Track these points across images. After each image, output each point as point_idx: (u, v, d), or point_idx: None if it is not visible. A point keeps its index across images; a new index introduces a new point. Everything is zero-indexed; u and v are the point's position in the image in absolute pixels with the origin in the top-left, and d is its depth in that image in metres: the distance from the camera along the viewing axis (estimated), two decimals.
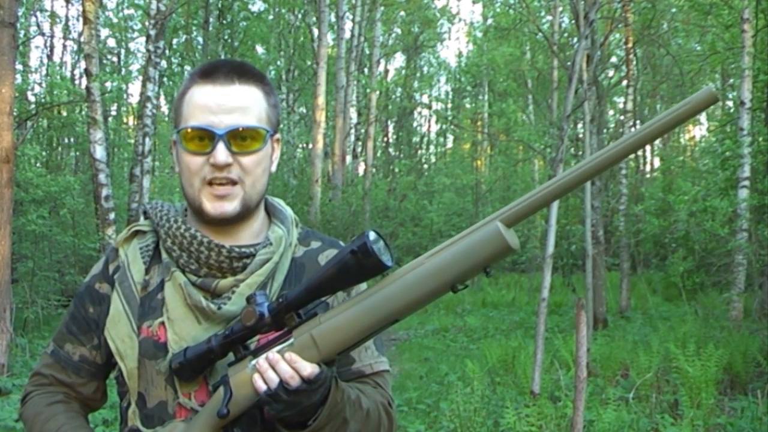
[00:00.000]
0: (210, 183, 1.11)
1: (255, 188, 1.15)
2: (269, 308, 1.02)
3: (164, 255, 1.17)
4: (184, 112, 1.14)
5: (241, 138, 1.11)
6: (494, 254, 0.92)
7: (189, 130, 1.12)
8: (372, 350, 1.20)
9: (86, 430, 1.19)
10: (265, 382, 0.99)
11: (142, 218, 1.26)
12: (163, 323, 1.13)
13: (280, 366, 0.99)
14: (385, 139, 26.39)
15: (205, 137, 1.11)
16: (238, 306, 1.11)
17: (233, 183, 1.12)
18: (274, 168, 1.20)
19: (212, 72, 1.14)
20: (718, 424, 4.63)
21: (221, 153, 1.09)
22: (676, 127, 0.90)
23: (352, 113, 17.42)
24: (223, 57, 15.91)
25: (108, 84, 13.09)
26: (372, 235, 0.96)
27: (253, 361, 1.03)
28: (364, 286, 1.13)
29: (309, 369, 0.98)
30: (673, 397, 5.25)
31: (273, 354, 1.00)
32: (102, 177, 8.31)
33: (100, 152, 8.33)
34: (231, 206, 1.12)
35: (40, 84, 16.73)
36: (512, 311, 12.14)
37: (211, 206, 1.12)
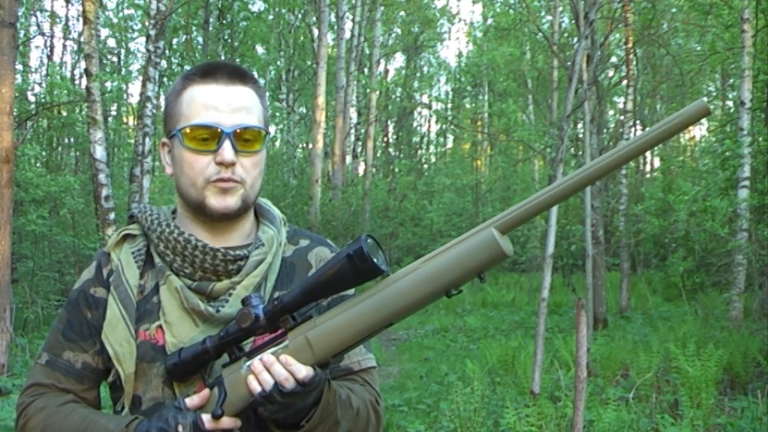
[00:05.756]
0: (215, 181, 1.12)
1: (253, 188, 1.16)
2: (264, 310, 1.03)
3: (157, 259, 1.16)
4: (184, 112, 1.13)
5: (244, 139, 1.12)
6: (489, 260, 0.94)
7: (191, 128, 1.11)
8: (359, 347, 1.19)
9: (115, 417, 1.12)
10: (260, 384, 0.99)
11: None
12: (160, 326, 1.13)
13: (275, 368, 0.99)
14: (385, 139, 26.38)
15: (210, 136, 1.11)
16: (236, 308, 1.11)
17: (235, 182, 1.12)
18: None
19: (214, 72, 1.15)
20: (718, 424, 4.63)
21: (228, 151, 1.10)
22: (669, 138, 0.93)
23: (352, 113, 17.41)
24: (222, 57, 15.92)
25: (108, 84, 13.10)
26: (368, 240, 0.97)
27: (248, 363, 1.03)
28: (351, 291, 1.13)
29: (304, 372, 0.98)
30: (673, 397, 5.25)
31: (268, 356, 1.01)
32: (102, 177, 8.30)
33: (100, 152, 8.33)
34: (233, 200, 1.13)
35: (40, 84, 16.72)
36: (512, 311, 12.14)
37: (215, 201, 1.12)
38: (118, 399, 1.16)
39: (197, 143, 1.11)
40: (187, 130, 1.12)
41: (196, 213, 1.16)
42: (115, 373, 1.15)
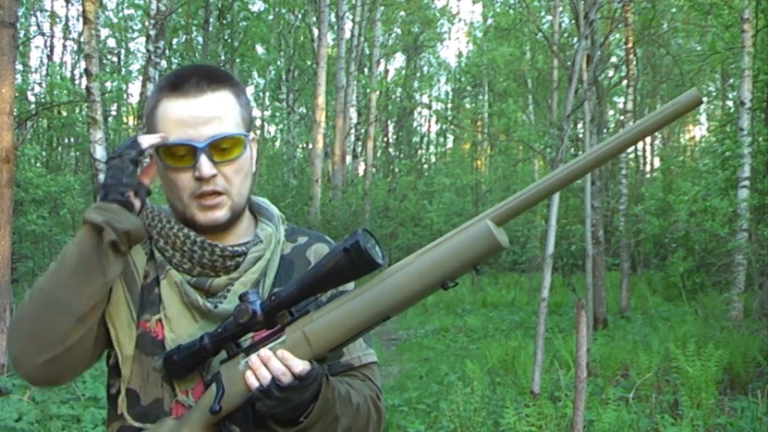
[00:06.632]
0: (198, 196, 1.11)
1: (241, 194, 1.15)
2: (262, 306, 1.03)
3: (157, 254, 1.17)
4: (159, 129, 1.12)
5: (221, 148, 1.11)
6: (484, 252, 0.94)
7: (167, 147, 1.10)
8: (360, 342, 1.20)
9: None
10: (258, 379, 1.00)
11: None
12: (160, 320, 1.14)
13: (272, 363, 1.00)
14: (385, 139, 26.39)
15: (186, 152, 1.10)
16: (234, 304, 1.11)
17: (219, 194, 1.12)
18: (254, 168, 1.20)
19: (181, 84, 1.12)
20: (718, 424, 4.63)
21: (206, 166, 1.09)
22: (663, 127, 0.94)
23: (352, 113, 17.43)
24: (222, 57, 15.93)
25: (108, 84, 13.11)
26: (364, 234, 0.97)
27: (246, 358, 1.04)
28: (351, 285, 1.14)
29: (300, 366, 0.99)
30: (673, 397, 5.24)
31: (265, 351, 1.02)
32: (102, 177, 8.30)
33: (100, 152, 8.33)
34: (221, 213, 1.13)
35: (40, 84, 16.77)
36: (512, 311, 12.12)
37: (202, 216, 1.12)
38: (113, 385, 1.16)
39: (175, 160, 1.10)
40: (163, 149, 1.11)
41: (188, 225, 1.16)
42: (114, 356, 1.15)
